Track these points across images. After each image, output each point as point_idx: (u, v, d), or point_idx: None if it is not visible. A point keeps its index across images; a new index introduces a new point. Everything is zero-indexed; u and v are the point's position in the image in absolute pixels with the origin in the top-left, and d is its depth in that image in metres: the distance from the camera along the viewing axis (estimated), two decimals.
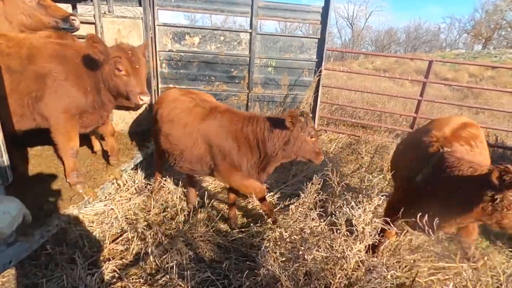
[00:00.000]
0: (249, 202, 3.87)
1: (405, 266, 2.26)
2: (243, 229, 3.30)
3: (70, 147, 2.90)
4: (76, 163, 3.00)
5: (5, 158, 1.86)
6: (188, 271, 2.49)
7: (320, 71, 5.49)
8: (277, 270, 2.04)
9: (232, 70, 5.45)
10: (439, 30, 45.59)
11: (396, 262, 2.31)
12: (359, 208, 2.22)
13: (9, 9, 2.93)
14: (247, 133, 2.88)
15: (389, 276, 1.94)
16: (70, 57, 2.89)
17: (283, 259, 2.19)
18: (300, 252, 1.97)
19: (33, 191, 2.73)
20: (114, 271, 2.55)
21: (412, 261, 2.34)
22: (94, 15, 4.09)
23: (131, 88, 2.83)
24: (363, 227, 2.15)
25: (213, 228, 3.26)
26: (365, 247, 2.09)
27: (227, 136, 2.90)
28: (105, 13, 4.28)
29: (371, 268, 1.99)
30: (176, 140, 3.06)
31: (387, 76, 8.15)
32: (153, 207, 3.47)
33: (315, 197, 2.41)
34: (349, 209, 2.11)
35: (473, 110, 9.45)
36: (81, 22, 4.28)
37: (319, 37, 5.50)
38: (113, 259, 2.71)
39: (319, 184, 2.52)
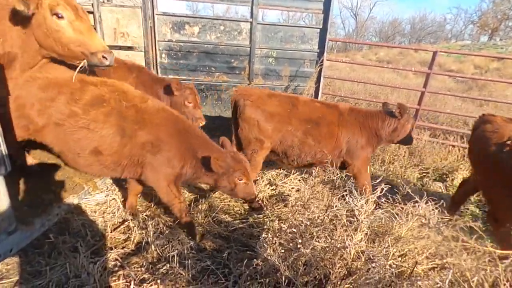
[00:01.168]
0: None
1: (404, 255, 2.26)
2: (243, 220, 3.32)
3: (174, 204, 2.87)
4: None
5: (3, 148, 1.86)
6: (189, 260, 2.52)
7: (322, 62, 5.42)
8: (276, 260, 2.05)
9: (233, 60, 5.40)
10: (444, 21, 44.92)
11: (397, 252, 2.32)
12: (361, 198, 2.21)
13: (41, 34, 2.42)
14: (370, 125, 3.59)
15: (388, 266, 1.94)
16: (179, 129, 2.82)
17: (282, 250, 2.20)
18: (299, 242, 1.98)
19: (33, 181, 2.75)
20: (116, 259, 2.58)
21: (413, 250, 2.35)
22: (92, 4, 4.03)
23: None
24: (364, 218, 2.15)
25: (214, 219, 3.28)
26: (365, 236, 2.09)
27: (361, 130, 3.59)
28: (103, 2, 4.23)
29: (371, 257, 2.00)
30: (312, 138, 3.49)
31: (390, 67, 8.05)
32: (155, 197, 3.49)
33: (316, 189, 2.41)
34: (351, 199, 2.10)
35: (477, 102, 9.34)
36: None
37: (321, 27, 5.41)
38: (115, 248, 2.74)
39: (319, 176, 2.51)
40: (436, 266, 2.30)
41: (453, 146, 5.49)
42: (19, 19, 2.28)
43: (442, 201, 2.60)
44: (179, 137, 2.78)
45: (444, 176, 4.87)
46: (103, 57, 2.40)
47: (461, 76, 7.15)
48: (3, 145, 1.86)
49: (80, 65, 2.47)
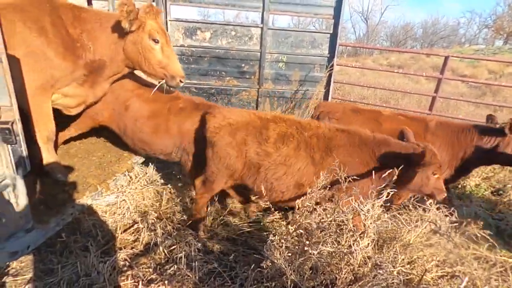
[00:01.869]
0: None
1: (413, 263, 2.24)
2: (251, 223, 3.34)
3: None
4: None
5: (24, 148, 1.94)
6: (196, 262, 2.55)
7: (332, 66, 5.43)
8: (282, 264, 2.06)
9: (243, 65, 5.46)
10: (458, 25, 44.08)
11: (406, 258, 2.29)
12: (367, 203, 2.20)
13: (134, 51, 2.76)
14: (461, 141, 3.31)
15: (395, 273, 1.92)
16: (356, 144, 2.78)
17: (289, 254, 2.21)
18: (306, 247, 1.98)
19: (49, 181, 2.84)
20: (125, 259, 2.64)
21: (422, 258, 2.32)
22: (108, 10, 4.17)
23: None
24: (370, 223, 2.14)
25: (222, 221, 3.31)
26: (372, 242, 2.08)
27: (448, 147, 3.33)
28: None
29: (378, 263, 1.98)
30: None
31: (401, 72, 7.97)
32: (164, 199, 3.55)
33: (322, 192, 2.41)
34: (357, 204, 2.10)
35: (491, 108, 9.13)
36: None
37: (331, 32, 5.43)
38: (124, 248, 2.79)
39: (326, 179, 2.51)
40: (446, 274, 2.26)
41: None
42: (115, 33, 2.63)
43: (452, 208, 2.57)
44: (360, 151, 2.72)
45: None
46: (180, 81, 2.85)
47: (474, 81, 7.01)
48: (24, 146, 1.94)
49: (160, 83, 2.92)
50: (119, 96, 3.23)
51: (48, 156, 2.75)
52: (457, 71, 16.73)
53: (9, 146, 1.88)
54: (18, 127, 1.88)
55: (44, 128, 2.65)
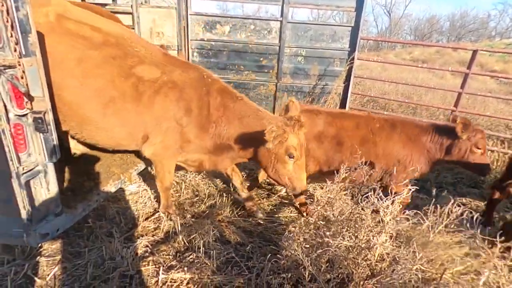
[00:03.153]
0: (277, 190, 3.93)
1: (432, 261, 2.19)
2: (267, 217, 3.38)
3: None
4: None
5: (54, 137, 2.06)
6: (214, 250, 2.62)
7: (352, 60, 5.31)
8: (300, 255, 2.08)
9: (262, 59, 5.45)
10: (488, 18, 41.56)
11: (426, 256, 2.25)
12: (387, 199, 2.17)
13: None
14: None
15: (414, 269, 1.89)
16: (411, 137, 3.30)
17: (307, 245, 2.22)
18: (326, 238, 1.99)
19: (76, 169, 3.00)
20: (147, 246, 2.75)
21: (444, 256, 2.27)
22: (131, 5, 4.28)
23: None
24: (390, 219, 2.11)
25: (239, 213, 3.37)
26: (390, 238, 2.06)
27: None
28: (142, 3, 4.47)
29: (396, 259, 1.96)
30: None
31: (424, 67, 7.65)
32: (184, 190, 3.65)
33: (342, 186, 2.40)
34: (377, 199, 2.07)
35: None
36: (119, 13, 4.52)
37: (353, 25, 5.30)
38: (146, 235, 2.91)
39: (346, 173, 2.49)
40: (467, 272, 2.21)
41: (492, 151, 5.15)
42: (254, 136, 2.70)
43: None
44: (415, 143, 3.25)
45: (480, 182, 4.59)
46: (300, 193, 2.84)
47: (504, 76, 6.61)
48: (55, 135, 2.06)
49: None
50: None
51: (165, 202, 3.16)
52: (486, 66, 15.89)
53: (41, 134, 2.00)
54: (50, 117, 1.99)
55: (165, 180, 3.02)
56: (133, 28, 4.48)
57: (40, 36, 2.01)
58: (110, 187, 2.89)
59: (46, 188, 2.16)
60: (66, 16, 2.45)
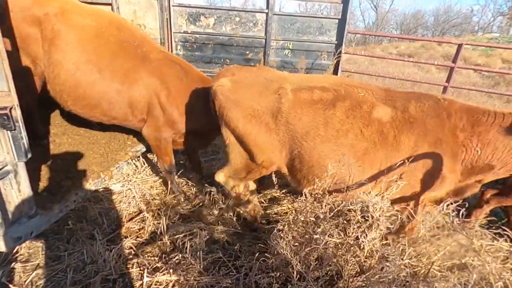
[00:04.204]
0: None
1: (419, 256, 2.19)
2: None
3: None
4: None
5: (24, 134, 1.92)
6: (201, 251, 2.54)
7: (340, 53, 5.26)
8: (288, 253, 2.03)
9: (248, 52, 5.33)
10: (471, 13, 42.59)
11: (413, 251, 2.24)
12: (376, 195, 2.14)
13: None
14: None
15: (403, 266, 1.87)
16: None
17: (295, 244, 2.17)
18: (315, 234, 1.94)
19: (53, 167, 2.85)
20: (131, 248, 2.65)
21: (431, 251, 2.27)
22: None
23: None
24: (379, 215, 2.08)
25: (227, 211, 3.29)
26: (380, 234, 2.03)
27: None
28: None
29: (385, 256, 1.94)
30: None
31: (411, 60, 7.69)
32: (170, 189, 3.55)
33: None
34: (365, 195, 2.04)
35: (504, 98, 8.85)
36: (98, 3, 4.30)
37: (340, 17, 5.24)
38: (130, 236, 2.80)
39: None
40: (453, 266, 2.21)
41: None
42: None
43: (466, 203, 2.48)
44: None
45: None
46: None
47: (487, 70, 6.75)
48: (24, 133, 1.92)
49: None
50: None
51: None
52: (469, 60, 16.21)
53: (8, 132, 1.86)
54: (18, 113, 1.85)
55: None
56: None
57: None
58: (89, 186, 2.77)
59: (17, 189, 2.02)
60: (296, 89, 2.50)
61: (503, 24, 39.00)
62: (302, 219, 2.14)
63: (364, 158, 2.37)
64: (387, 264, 1.87)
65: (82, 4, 3.08)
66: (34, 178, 2.20)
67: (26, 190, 2.06)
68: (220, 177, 2.91)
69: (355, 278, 1.97)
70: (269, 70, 2.80)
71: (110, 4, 4.14)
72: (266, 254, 2.27)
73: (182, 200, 3.44)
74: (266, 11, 5.07)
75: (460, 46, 5.10)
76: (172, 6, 4.88)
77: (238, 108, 2.49)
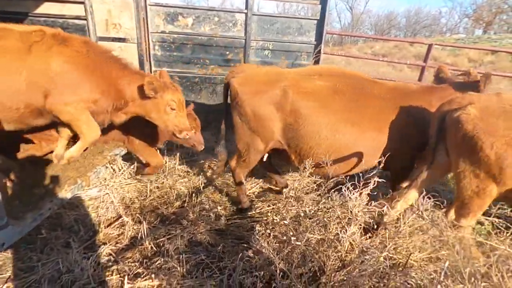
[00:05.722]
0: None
1: (398, 248, 2.28)
2: (239, 213, 3.32)
3: None
4: None
5: None
6: (183, 254, 2.50)
7: (319, 53, 5.37)
8: (270, 252, 2.05)
9: (227, 53, 5.32)
10: (440, 14, 44.80)
11: (392, 244, 2.33)
12: (355, 191, 2.20)
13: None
14: None
15: (382, 258, 1.95)
16: None
17: (277, 243, 2.19)
18: (292, 234, 1.97)
19: (25, 175, 2.70)
20: (110, 254, 2.56)
21: (408, 243, 2.36)
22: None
23: None
24: (358, 211, 2.15)
25: (210, 212, 3.26)
26: (359, 229, 2.10)
27: None
28: None
29: (365, 249, 2.00)
30: None
31: (385, 60, 8.04)
32: (149, 192, 3.46)
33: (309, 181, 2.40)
34: (345, 190, 2.10)
35: None
36: (69, 2, 4.13)
37: (318, 18, 5.34)
38: (108, 243, 2.71)
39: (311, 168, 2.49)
40: (430, 257, 2.32)
41: None
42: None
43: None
44: None
45: None
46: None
47: (455, 69, 7.16)
48: None
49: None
50: None
51: None
52: (439, 59, 17.08)
53: None
54: None
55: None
56: (86, 19, 4.12)
57: None
58: (65, 193, 2.66)
59: None
60: None
61: (468, 25, 41.35)
62: (279, 219, 2.16)
63: None
64: (366, 257, 1.93)
65: None
66: (4, 186, 2.07)
67: None
68: None
69: (337, 272, 2.02)
70: None
71: (82, 3, 3.98)
72: (249, 254, 2.27)
73: (162, 202, 3.37)
74: (246, 11, 5.07)
75: (430, 46, 5.37)
76: (149, 5, 4.78)
77: None
